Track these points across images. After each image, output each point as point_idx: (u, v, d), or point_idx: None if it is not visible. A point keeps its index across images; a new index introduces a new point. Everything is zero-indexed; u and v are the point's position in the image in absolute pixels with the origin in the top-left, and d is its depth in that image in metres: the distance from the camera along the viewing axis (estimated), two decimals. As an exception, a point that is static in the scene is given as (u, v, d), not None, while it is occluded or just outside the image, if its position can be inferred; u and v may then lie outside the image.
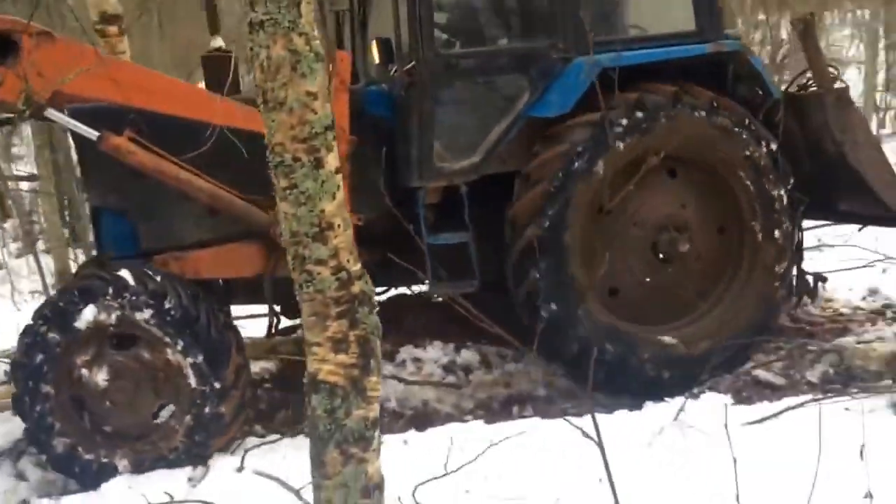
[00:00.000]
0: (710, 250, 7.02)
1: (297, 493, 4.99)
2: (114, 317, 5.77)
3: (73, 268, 13.21)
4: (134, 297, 5.78)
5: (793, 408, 5.87)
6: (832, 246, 8.40)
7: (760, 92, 7.02)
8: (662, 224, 6.93)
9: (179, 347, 5.82)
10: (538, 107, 6.82)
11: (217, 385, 5.88)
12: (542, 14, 7.04)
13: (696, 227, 6.99)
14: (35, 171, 15.70)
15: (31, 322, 5.85)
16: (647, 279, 6.92)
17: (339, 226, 2.37)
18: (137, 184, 6.20)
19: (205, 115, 6.07)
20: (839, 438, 4.90)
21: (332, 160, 2.34)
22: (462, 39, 7.19)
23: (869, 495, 3.81)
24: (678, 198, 6.98)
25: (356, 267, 2.38)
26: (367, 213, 6.41)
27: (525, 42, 7.26)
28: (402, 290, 8.07)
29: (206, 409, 5.87)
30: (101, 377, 5.83)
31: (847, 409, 5.75)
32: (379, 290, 7.81)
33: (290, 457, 5.67)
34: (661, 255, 6.94)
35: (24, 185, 16.61)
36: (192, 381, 5.86)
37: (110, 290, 5.77)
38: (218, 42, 7.64)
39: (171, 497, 5.35)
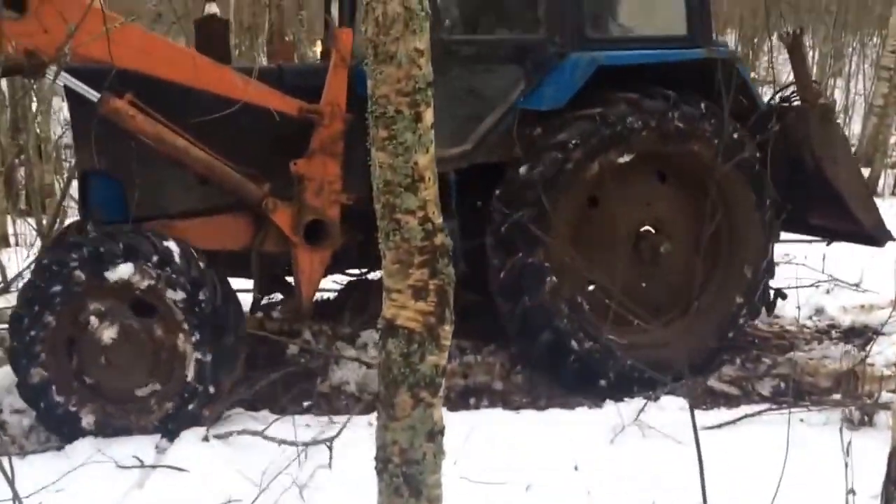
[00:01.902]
0: (689, 254, 7.13)
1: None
2: (146, 284, 5.78)
3: (11, 229, 13.09)
4: (174, 276, 5.80)
5: (750, 415, 6.07)
6: (778, 263, 8.62)
7: (746, 102, 7.13)
8: (644, 224, 7.09)
9: (193, 340, 5.85)
10: (532, 99, 6.85)
11: (211, 389, 5.93)
12: (540, 7, 7.04)
13: (677, 231, 7.12)
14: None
15: (62, 251, 5.84)
16: (627, 278, 6.96)
17: (429, 178, 2.47)
18: (130, 149, 6.11)
19: (205, 83, 6.16)
20: (798, 447, 5.13)
21: (429, 115, 2.44)
22: (460, 27, 7.30)
23: (852, 492, 3.97)
24: (664, 201, 7.11)
25: (440, 220, 2.49)
26: (356, 193, 6.37)
27: (522, 34, 7.28)
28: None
29: (190, 406, 5.90)
30: (107, 333, 5.80)
31: (802, 420, 5.98)
32: (356, 272, 7.94)
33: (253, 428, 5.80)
34: (641, 256, 7.06)
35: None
36: (190, 376, 5.89)
37: (154, 258, 5.79)
38: (213, 8, 7.65)
39: (141, 462, 5.38)
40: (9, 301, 8.71)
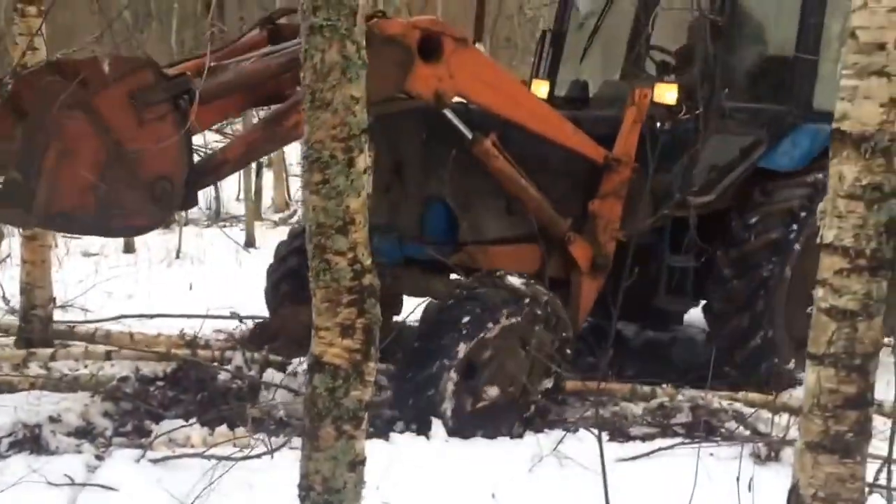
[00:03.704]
0: None
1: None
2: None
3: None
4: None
5: (664, 448, 6.32)
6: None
7: None
8: None
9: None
10: (770, 160, 8.12)
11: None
12: (784, 81, 8.31)
13: None
14: None
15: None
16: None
17: (359, 222, 2.63)
18: (468, 182, 7.21)
19: (547, 130, 7.27)
20: (708, 480, 5.36)
21: (362, 161, 2.59)
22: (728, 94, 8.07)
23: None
24: None
25: (368, 261, 2.65)
26: (629, 232, 7.45)
27: (767, 103, 8.38)
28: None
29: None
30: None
31: (711, 454, 6.22)
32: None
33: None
34: None
35: None
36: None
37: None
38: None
39: (72, 480, 5.43)
40: None
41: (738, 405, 7.25)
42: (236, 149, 6.17)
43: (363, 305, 2.64)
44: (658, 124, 7.76)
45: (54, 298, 8.60)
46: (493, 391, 6.61)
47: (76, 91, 5.07)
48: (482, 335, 6.46)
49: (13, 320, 8.74)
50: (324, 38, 2.51)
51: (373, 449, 6.04)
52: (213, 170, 6.11)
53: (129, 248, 14.99)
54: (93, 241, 15.68)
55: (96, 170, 5.17)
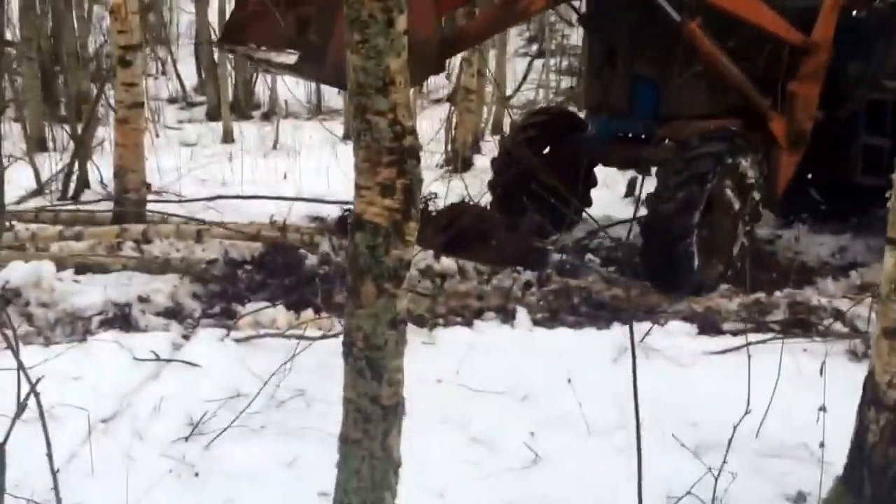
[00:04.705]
0: None
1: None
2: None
3: (49, 134, 13.32)
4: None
5: (754, 343, 6.16)
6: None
7: None
8: None
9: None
10: None
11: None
12: None
13: None
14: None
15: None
16: None
17: (400, 83, 2.58)
18: (672, 61, 7.86)
19: (747, 13, 7.77)
20: (796, 371, 5.27)
21: (402, 21, 2.54)
22: None
23: (823, 408, 4.12)
24: None
25: (409, 123, 2.60)
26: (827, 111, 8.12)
27: None
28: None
29: None
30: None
31: (805, 350, 6.06)
32: None
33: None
34: None
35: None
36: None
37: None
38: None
39: (157, 356, 5.57)
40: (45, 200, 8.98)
41: (838, 302, 7.04)
42: (477, 24, 7.60)
43: (403, 166, 2.60)
44: (854, 12, 8.32)
45: (148, 183, 8.74)
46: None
47: None
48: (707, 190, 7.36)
49: (110, 205, 8.85)
50: None
51: (456, 335, 6.23)
52: (459, 41, 7.45)
53: (227, 139, 15.17)
54: (192, 131, 15.96)
55: None
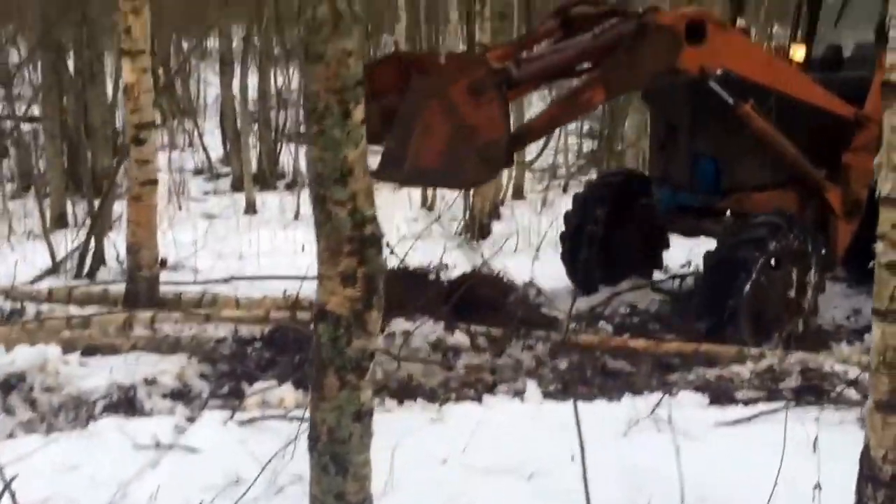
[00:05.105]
0: None
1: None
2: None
3: (70, 212, 13.45)
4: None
5: (766, 413, 6.06)
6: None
7: None
8: None
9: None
10: None
11: None
12: None
13: None
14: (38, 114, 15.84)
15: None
16: None
17: (358, 172, 2.58)
18: (729, 139, 8.31)
19: (800, 92, 8.31)
20: (805, 442, 5.14)
21: (359, 112, 2.54)
22: None
23: (818, 486, 4.05)
24: None
25: (370, 211, 2.59)
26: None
27: None
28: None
29: None
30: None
31: (817, 419, 5.94)
32: None
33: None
34: None
35: (25, 126, 16.72)
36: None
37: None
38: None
39: (158, 442, 5.49)
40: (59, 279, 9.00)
41: (851, 369, 6.87)
42: (542, 120, 7.84)
43: (364, 255, 2.58)
44: None
45: (163, 260, 8.76)
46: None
47: (435, 83, 6.69)
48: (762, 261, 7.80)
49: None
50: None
51: (466, 411, 6.15)
52: (525, 136, 7.84)
53: (249, 210, 15.23)
54: (215, 203, 16.04)
55: (446, 139, 6.60)
